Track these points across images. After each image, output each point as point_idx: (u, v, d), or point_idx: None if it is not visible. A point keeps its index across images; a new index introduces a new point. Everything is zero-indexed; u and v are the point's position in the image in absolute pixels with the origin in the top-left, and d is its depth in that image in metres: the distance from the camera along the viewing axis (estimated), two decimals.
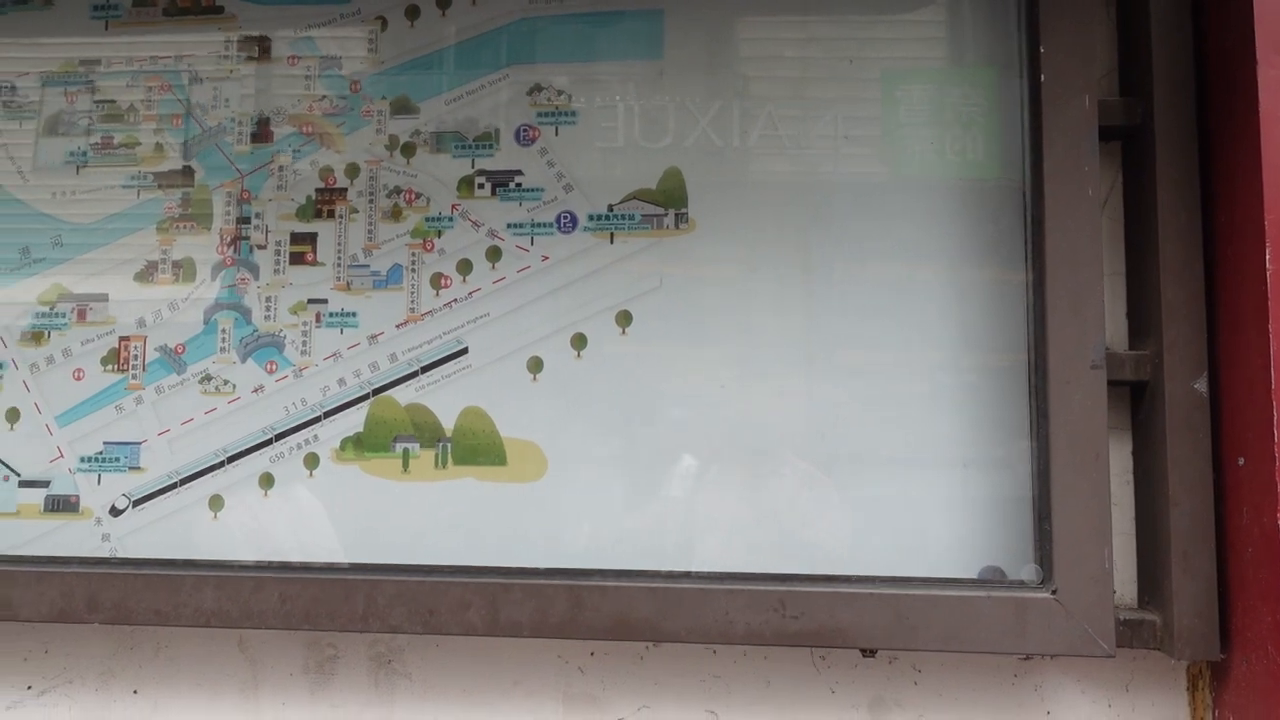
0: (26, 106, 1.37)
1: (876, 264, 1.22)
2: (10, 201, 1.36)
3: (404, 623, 1.14)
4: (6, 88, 1.38)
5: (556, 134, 1.28)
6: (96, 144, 1.35)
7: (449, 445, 1.25)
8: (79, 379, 1.32)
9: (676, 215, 1.25)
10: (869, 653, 1.14)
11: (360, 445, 1.26)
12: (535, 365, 1.25)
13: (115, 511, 1.29)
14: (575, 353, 1.24)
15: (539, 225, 1.27)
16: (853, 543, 1.16)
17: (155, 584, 1.18)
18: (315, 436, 1.27)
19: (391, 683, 1.25)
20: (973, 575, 1.15)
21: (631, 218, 1.26)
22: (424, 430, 1.25)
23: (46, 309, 1.33)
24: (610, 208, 1.26)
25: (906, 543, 1.16)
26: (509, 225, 1.27)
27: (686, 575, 1.15)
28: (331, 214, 1.30)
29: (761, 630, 1.10)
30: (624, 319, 1.24)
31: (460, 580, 1.15)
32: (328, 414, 1.27)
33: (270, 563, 1.21)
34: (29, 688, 1.30)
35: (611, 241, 1.26)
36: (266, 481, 1.27)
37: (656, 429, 1.22)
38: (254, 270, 1.31)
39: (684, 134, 1.27)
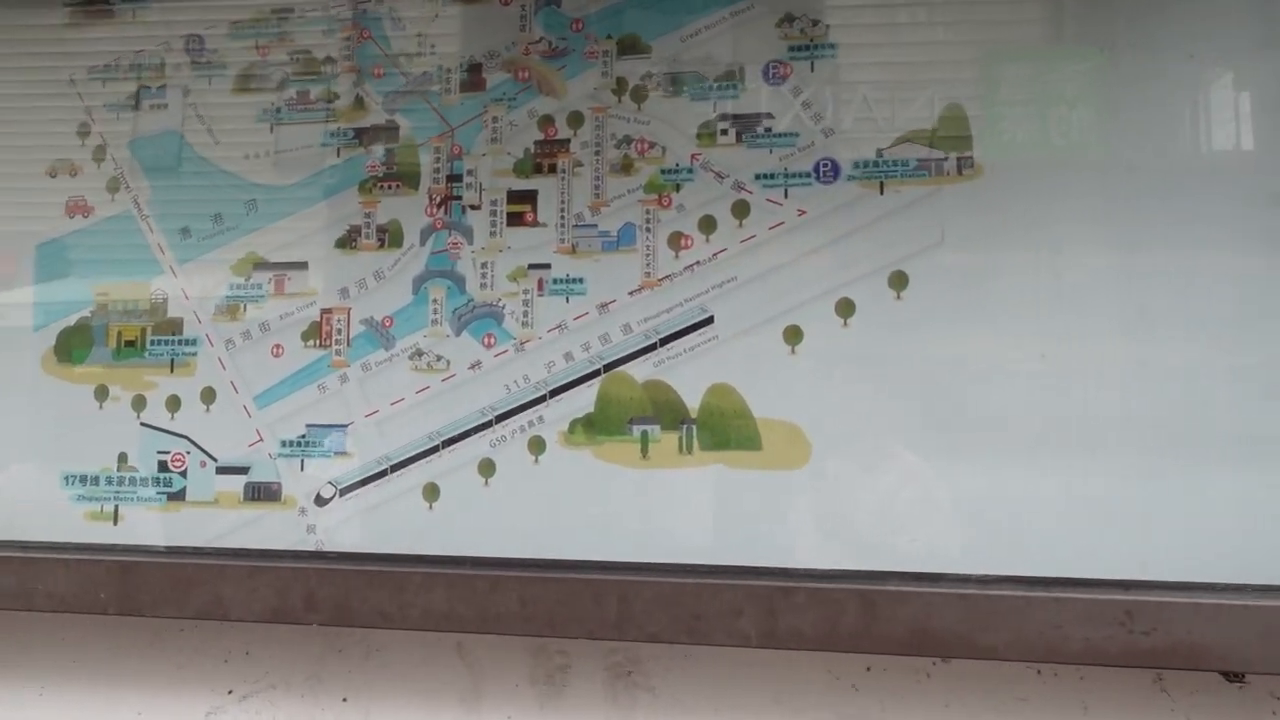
0: (215, 61, 1.26)
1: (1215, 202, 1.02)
2: (200, 164, 1.25)
3: (664, 631, 0.99)
4: (193, 41, 1.27)
5: (812, 70, 1.11)
6: (291, 99, 1.23)
7: (694, 427, 1.09)
8: (278, 356, 1.20)
9: (959, 160, 1.07)
10: (1235, 677, 0.95)
11: (592, 427, 1.12)
12: (793, 335, 1.09)
13: (320, 501, 1.17)
14: (841, 320, 1.08)
15: (794, 175, 1.10)
16: (1209, 544, 0.97)
17: (378, 582, 1.06)
18: (540, 418, 1.13)
19: (632, 696, 1.10)
20: None
21: (905, 163, 1.08)
22: (665, 410, 1.10)
23: (241, 280, 1.22)
24: (879, 153, 1.09)
25: (1274, 544, 0.96)
26: (758, 176, 1.11)
27: (1001, 580, 0.98)
28: (553, 169, 1.16)
29: (1105, 647, 0.91)
30: (898, 281, 1.07)
31: (729, 583, 0.99)
32: (554, 393, 1.13)
33: (507, 559, 1.08)
34: (230, 692, 1.19)
35: (881, 192, 1.08)
36: (487, 469, 1.14)
37: (943, 407, 1.05)
38: (467, 233, 1.17)
39: (965, 65, 1.09)
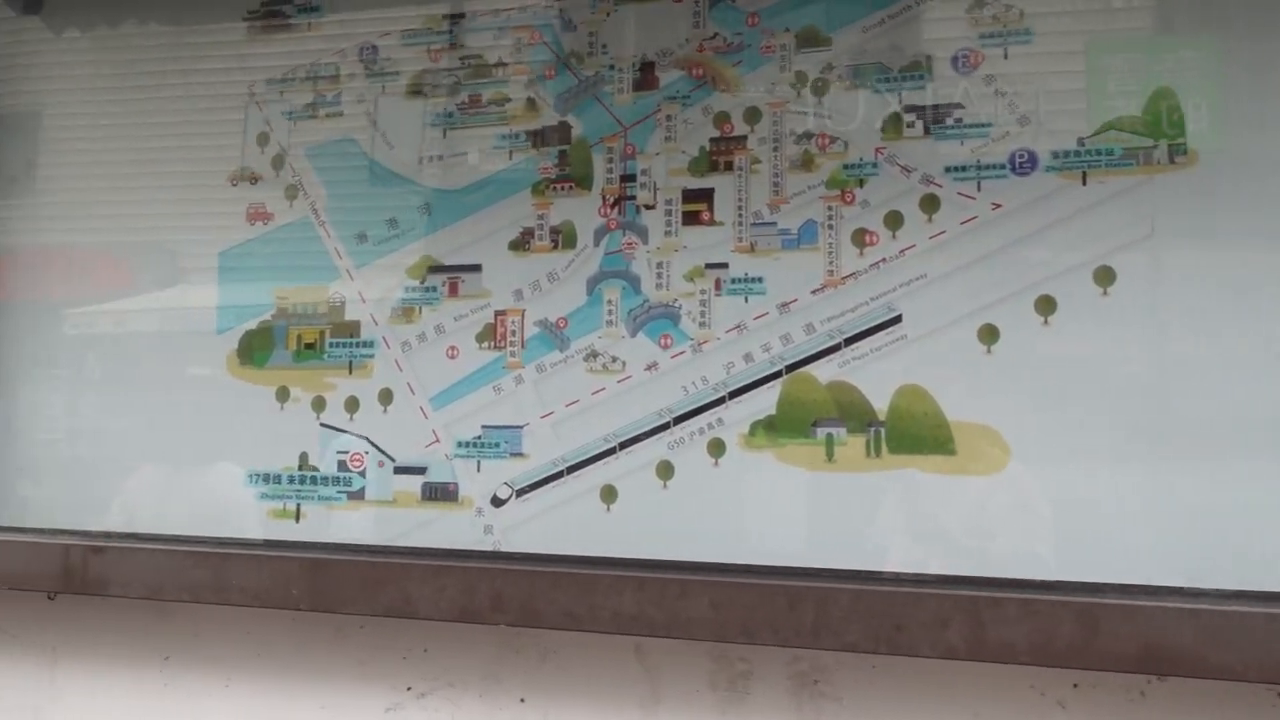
0: (388, 69, 1.29)
1: None
2: (375, 170, 1.28)
3: (862, 640, 0.96)
4: (367, 50, 1.30)
5: (1006, 57, 1.07)
6: (463, 103, 1.25)
7: (882, 430, 1.06)
8: (453, 357, 1.22)
9: (1170, 147, 1.01)
10: None
11: (774, 429, 1.09)
12: (989, 334, 1.04)
13: (497, 501, 1.18)
14: (1041, 318, 1.03)
15: (987, 167, 1.06)
16: None
17: (564, 584, 1.06)
18: (720, 420, 1.11)
19: (817, 706, 1.07)
20: None
21: (1110, 152, 1.02)
22: (851, 412, 1.07)
23: (416, 283, 1.24)
24: (1081, 141, 1.03)
25: None
26: (948, 169, 1.07)
27: (1239, 595, 0.92)
28: (730, 166, 1.14)
29: None
30: (1105, 276, 1.01)
31: (932, 592, 0.95)
32: (733, 394, 1.11)
33: (696, 563, 1.06)
34: (409, 689, 1.21)
35: (1084, 183, 1.03)
36: (665, 471, 1.12)
37: (1154, 410, 0.99)
38: (642, 233, 1.16)
39: (1176, 45, 1.03)
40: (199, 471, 1.31)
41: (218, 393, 1.30)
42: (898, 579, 0.99)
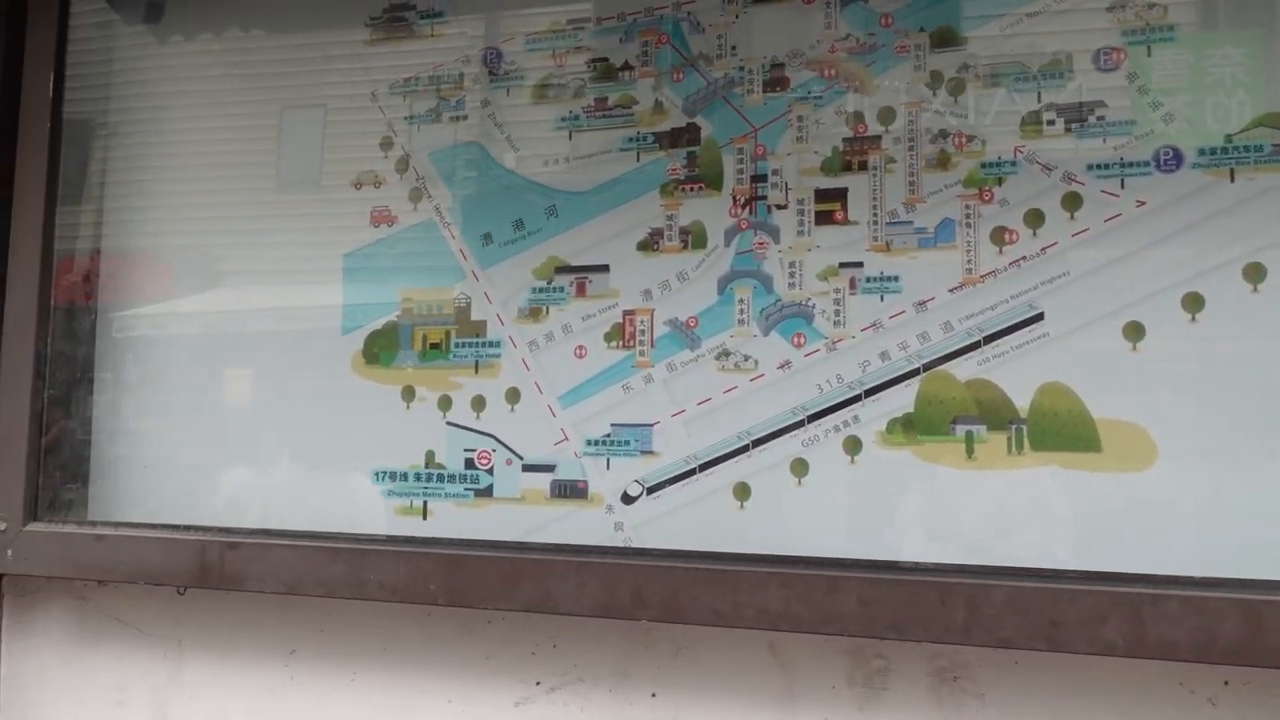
0: (512, 73, 1.31)
1: None
2: (500, 172, 1.30)
3: (1016, 636, 0.96)
4: (491, 54, 1.32)
5: (1149, 54, 1.07)
6: (589, 106, 1.26)
7: (1024, 428, 1.06)
8: (581, 357, 1.23)
9: None
10: None
11: (912, 427, 1.10)
12: (1134, 332, 1.04)
13: (628, 498, 1.19)
14: (1189, 316, 1.02)
15: (1130, 165, 1.06)
16: None
17: (707, 580, 1.07)
18: (856, 418, 1.12)
19: (959, 703, 1.07)
20: None
21: (1259, 148, 1.02)
22: (991, 410, 1.07)
23: (543, 284, 1.26)
24: (1229, 138, 1.03)
25: None
26: (1090, 167, 1.07)
27: None
28: (864, 166, 1.15)
29: None
30: (1255, 273, 1.01)
31: (1088, 588, 0.95)
32: (869, 392, 1.12)
33: (839, 559, 1.07)
34: (538, 683, 1.23)
35: (1232, 179, 1.03)
36: (800, 468, 1.13)
37: None
38: (773, 233, 1.17)
39: None
40: (326, 469, 1.33)
41: (343, 392, 1.33)
42: (1051, 575, 0.99)
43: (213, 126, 1.45)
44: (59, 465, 1.41)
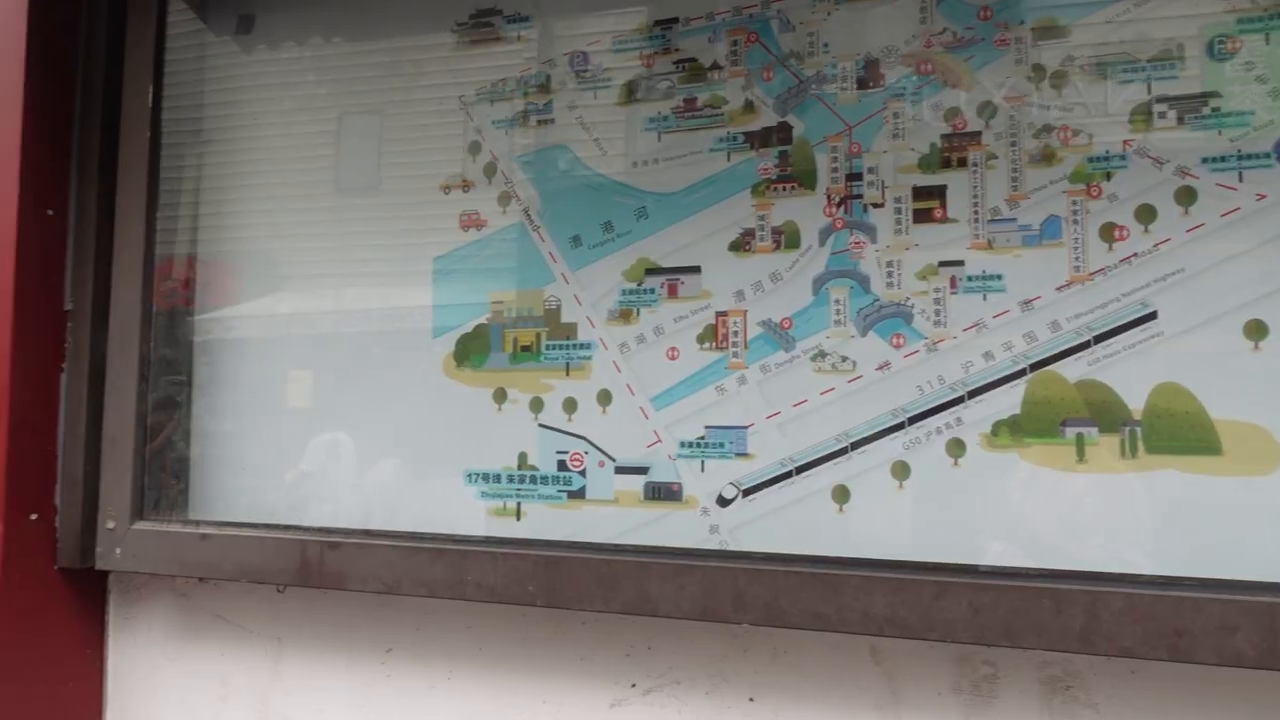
0: (599, 75, 1.31)
1: None
2: (589, 175, 1.30)
3: (1138, 645, 0.94)
4: (578, 57, 1.33)
5: (1267, 42, 1.03)
6: (678, 107, 1.26)
7: (1138, 430, 1.03)
8: (673, 359, 1.23)
9: None
10: None
11: (1018, 429, 1.07)
12: (1256, 330, 1.00)
13: (723, 501, 1.19)
14: None
15: (1249, 157, 1.02)
16: None
17: (810, 583, 1.06)
18: (958, 419, 1.10)
19: (1070, 712, 1.05)
20: None
21: None
22: (1103, 412, 1.04)
23: (634, 285, 1.26)
24: None
25: None
26: (1205, 160, 1.03)
27: None
28: (963, 162, 1.12)
29: None
30: None
31: (1215, 596, 0.92)
32: (973, 393, 1.10)
33: (948, 564, 1.05)
34: (633, 685, 1.23)
35: None
36: (901, 471, 1.11)
37: None
38: (870, 232, 1.16)
39: None
40: (419, 470, 1.35)
41: (435, 394, 1.34)
42: (1170, 582, 0.96)
43: (301, 133, 1.47)
44: (161, 465, 1.46)
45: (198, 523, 1.39)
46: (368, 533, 1.29)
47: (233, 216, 1.50)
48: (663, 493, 1.22)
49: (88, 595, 1.48)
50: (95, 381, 1.43)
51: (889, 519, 1.12)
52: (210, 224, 1.51)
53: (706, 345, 1.22)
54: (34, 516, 1.40)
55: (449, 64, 1.39)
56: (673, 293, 1.24)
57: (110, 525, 1.39)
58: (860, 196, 1.16)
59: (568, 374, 1.28)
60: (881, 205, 1.15)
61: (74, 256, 1.45)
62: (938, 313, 1.12)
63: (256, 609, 1.42)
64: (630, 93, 1.29)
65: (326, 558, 1.27)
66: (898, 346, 1.13)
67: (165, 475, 1.46)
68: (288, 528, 1.34)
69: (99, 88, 1.46)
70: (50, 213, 1.43)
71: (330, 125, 1.46)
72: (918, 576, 1.02)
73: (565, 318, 1.29)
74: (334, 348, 1.42)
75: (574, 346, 1.28)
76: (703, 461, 1.20)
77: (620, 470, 1.24)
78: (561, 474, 1.27)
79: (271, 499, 1.42)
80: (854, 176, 1.17)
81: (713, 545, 1.18)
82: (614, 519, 1.24)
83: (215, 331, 1.50)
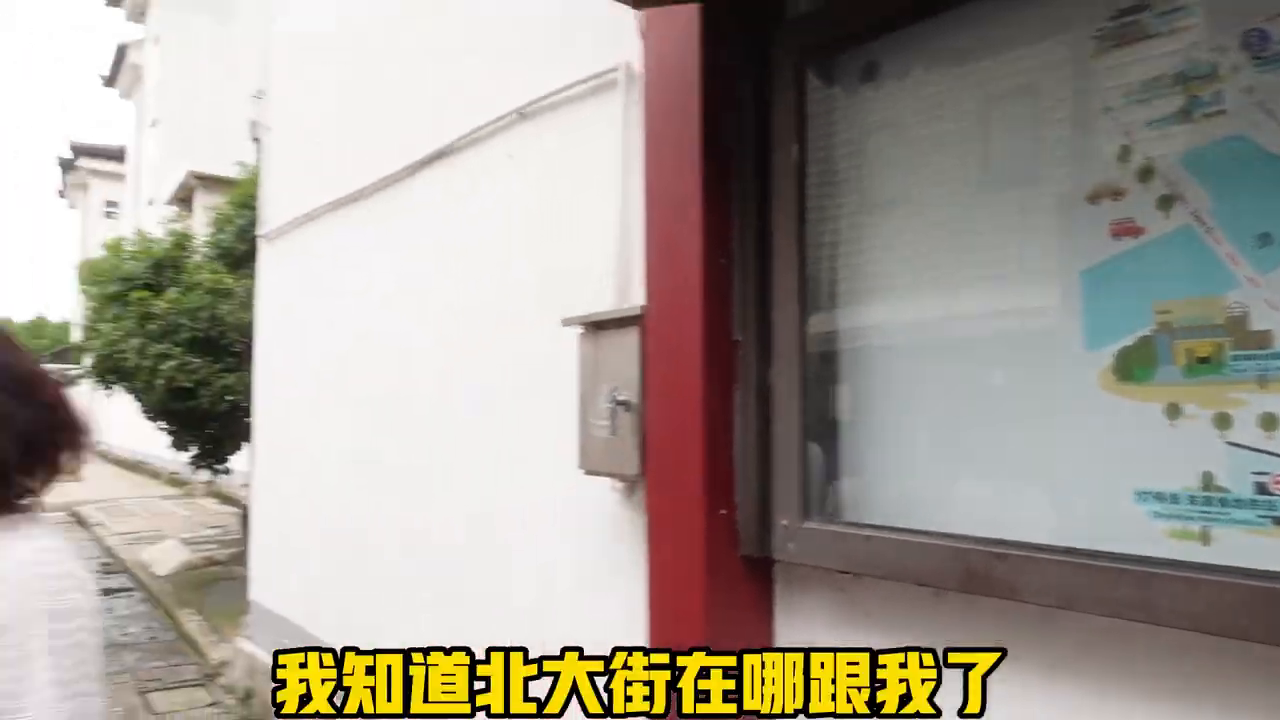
0: None
1: None
2: (1276, 165, 1.17)
3: None
4: (1254, 36, 1.20)
5: None
6: None
7: None
8: None
9: None
10: None
11: None
12: None
13: None
14: None
15: None
16: None
17: None
18: None
19: None
20: None
21: None
22: None
23: None
24: None
25: None
26: None
27: None
28: None
29: None
30: None
31: None
32: None
33: None
34: None
35: None
36: None
37: None
38: None
39: None
40: (1078, 486, 1.34)
41: (1092, 408, 1.32)
42: None
43: (931, 163, 1.56)
44: (819, 471, 1.66)
45: (859, 525, 1.55)
46: (1036, 547, 1.32)
47: (872, 253, 1.65)
48: None
49: (760, 581, 1.75)
50: (762, 399, 1.69)
51: None
52: (849, 252, 1.68)
53: None
54: (723, 512, 1.71)
55: (1086, 70, 1.36)
56: None
57: (784, 523, 1.63)
58: None
59: (1262, 387, 1.16)
60: None
61: (739, 295, 1.73)
62: None
63: (905, 611, 1.53)
64: None
65: (993, 567, 1.33)
66: None
67: (823, 480, 1.66)
68: (946, 535, 1.43)
69: (750, 152, 1.73)
70: (723, 261, 1.73)
71: (958, 156, 1.52)
72: None
73: (1254, 325, 1.17)
74: (977, 358, 1.47)
75: (1270, 357, 1.16)
76: None
77: None
78: (1261, 497, 1.15)
79: (922, 504, 1.53)
80: None
81: None
82: None
83: (859, 341, 1.65)
